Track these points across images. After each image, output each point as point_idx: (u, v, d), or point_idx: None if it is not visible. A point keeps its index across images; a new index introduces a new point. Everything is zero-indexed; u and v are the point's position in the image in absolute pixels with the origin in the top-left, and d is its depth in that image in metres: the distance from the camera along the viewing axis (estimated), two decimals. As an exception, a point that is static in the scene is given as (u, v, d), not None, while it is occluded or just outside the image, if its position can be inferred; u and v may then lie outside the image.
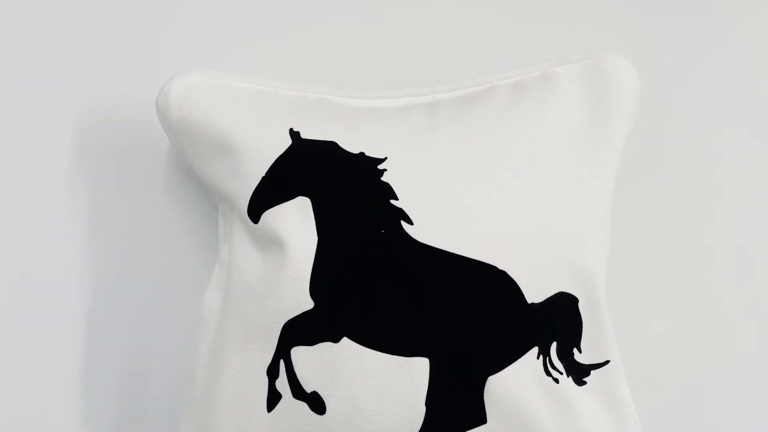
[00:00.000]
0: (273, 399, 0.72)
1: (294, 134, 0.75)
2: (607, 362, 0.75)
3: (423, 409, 0.70)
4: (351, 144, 0.74)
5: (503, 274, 0.71)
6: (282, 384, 0.72)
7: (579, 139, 0.76)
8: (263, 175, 0.74)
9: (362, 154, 0.74)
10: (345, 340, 0.71)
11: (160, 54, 0.90)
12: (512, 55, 0.90)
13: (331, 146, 0.74)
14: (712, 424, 0.86)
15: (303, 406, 0.71)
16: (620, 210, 0.81)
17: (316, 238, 0.71)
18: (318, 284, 0.71)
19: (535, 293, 0.72)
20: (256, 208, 0.73)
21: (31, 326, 0.87)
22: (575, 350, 0.74)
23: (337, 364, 0.70)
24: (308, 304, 0.71)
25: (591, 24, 0.93)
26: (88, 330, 0.87)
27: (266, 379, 0.72)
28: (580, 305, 0.74)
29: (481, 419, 0.71)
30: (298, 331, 0.71)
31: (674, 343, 0.87)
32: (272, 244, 0.73)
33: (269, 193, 0.73)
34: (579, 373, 0.74)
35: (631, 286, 0.87)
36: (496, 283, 0.71)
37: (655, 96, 0.90)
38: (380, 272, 0.71)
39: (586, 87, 0.78)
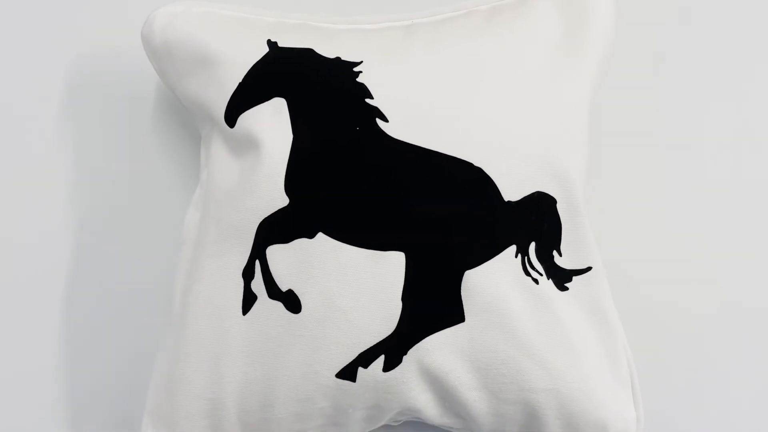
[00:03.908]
0: (248, 301, 0.71)
1: (272, 44, 0.76)
2: (589, 268, 0.74)
3: (399, 305, 0.69)
4: (327, 52, 0.75)
5: (479, 170, 0.71)
6: (257, 285, 0.71)
7: (555, 48, 0.77)
8: (240, 81, 0.74)
9: (338, 58, 0.75)
10: (320, 235, 0.70)
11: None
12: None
13: (308, 52, 0.75)
14: (698, 343, 0.85)
15: (278, 306, 0.70)
16: (602, 128, 0.82)
17: (291, 136, 0.72)
18: (293, 180, 0.71)
19: (511, 191, 0.71)
20: (233, 111, 0.74)
21: (24, 254, 0.87)
22: (555, 253, 0.73)
23: (312, 260, 0.70)
24: (283, 201, 0.71)
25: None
26: (74, 265, 0.87)
27: (242, 282, 0.71)
28: (559, 207, 0.73)
29: (459, 317, 0.70)
30: (274, 229, 0.70)
31: (658, 262, 0.86)
32: (248, 146, 0.73)
33: (246, 96, 0.74)
34: (560, 276, 0.73)
35: (614, 204, 0.87)
36: (471, 178, 0.71)
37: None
38: (355, 167, 0.71)
39: (562, 7, 0.79)
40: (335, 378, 0.70)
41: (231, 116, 0.74)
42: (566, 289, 0.73)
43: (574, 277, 0.73)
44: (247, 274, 0.71)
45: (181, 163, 0.91)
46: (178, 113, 0.91)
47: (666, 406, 0.83)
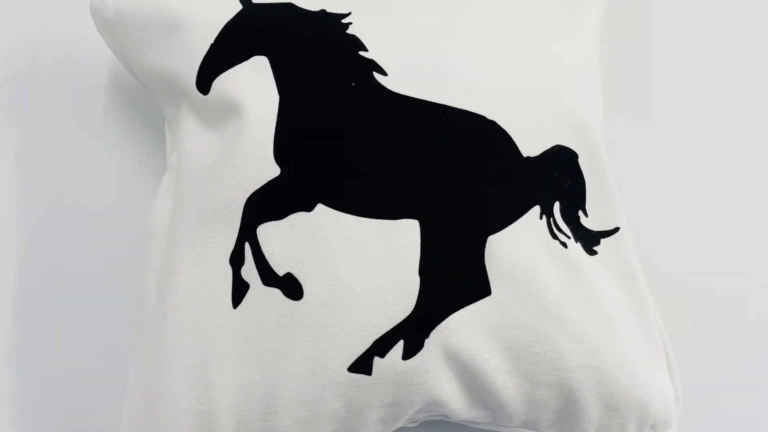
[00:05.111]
0: (239, 291, 0.61)
1: (244, 1, 0.67)
2: (616, 229, 0.67)
3: (417, 281, 0.60)
4: (309, 6, 0.67)
5: (493, 123, 0.63)
6: (249, 271, 0.61)
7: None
8: (212, 42, 0.65)
9: (323, 10, 0.66)
10: (320, 207, 0.61)
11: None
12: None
13: (288, 6, 0.66)
14: (722, 307, 0.79)
15: (276, 294, 0.60)
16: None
17: (277, 97, 0.63)
18: (284, 146, 0.61)
19: (528, 146, 0.64)
20: (206, 75, 0.64)
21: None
22: (581, 213, 0.65)
23: (313, 236, 0.60)
24: (273, 170, 0.61)
25: None
26: (23, 273, 0.76)
27: (229, 269, 0.61)
28: (581, 162, 0.66)
29: (485, 289, 0.61)
30: (265, 204, 0.61)
31: (678, 222, 0.80)
32: (227, 114, 0.63)
33: (220, 56, 0.65)
34: (588, 239, 0.66)
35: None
36: (486, 133, 0.63)
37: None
38: (355, 126, 0.62)
39: None
40: (347, 372, 0.60)
41: (204, 81, 0.64)
42: (595, 253, 0.66)
43: (602, 240, 0.66)
44: (236, 260, 0.61)
45: (142, 154, 0.81)
46: (133, 99, 0.81)
47: (700, 380, 0.76)
